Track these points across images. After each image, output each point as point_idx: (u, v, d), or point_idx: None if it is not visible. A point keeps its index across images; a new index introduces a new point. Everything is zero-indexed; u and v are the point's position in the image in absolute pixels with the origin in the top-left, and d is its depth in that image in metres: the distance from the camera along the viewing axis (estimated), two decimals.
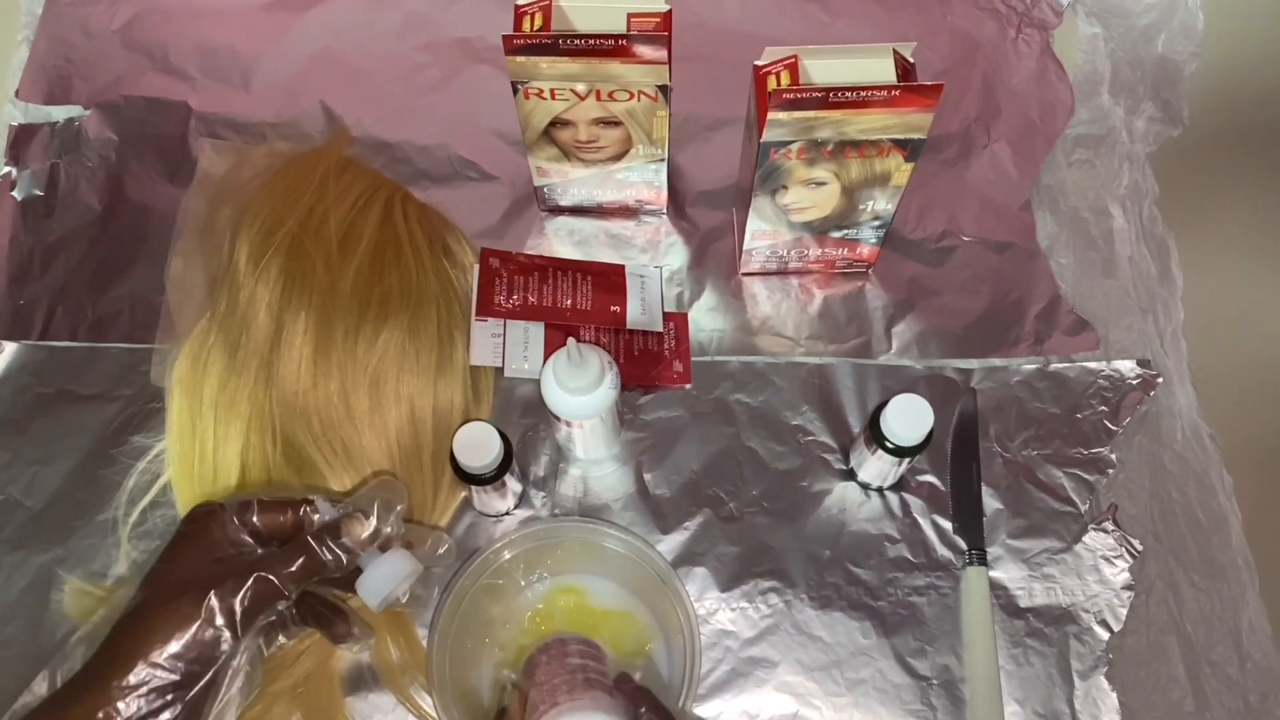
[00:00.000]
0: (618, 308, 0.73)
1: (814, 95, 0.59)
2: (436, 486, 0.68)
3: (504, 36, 0.62)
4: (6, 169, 0.80)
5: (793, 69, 0.62)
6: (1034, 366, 0.74)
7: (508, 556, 0.65)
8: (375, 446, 0.66)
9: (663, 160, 0.73)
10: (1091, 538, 0.69)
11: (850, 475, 0.71)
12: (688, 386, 0.73)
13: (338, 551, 0.56)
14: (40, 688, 0.61)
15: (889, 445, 0.64)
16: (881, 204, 0.69)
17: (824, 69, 0.62)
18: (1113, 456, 0.71)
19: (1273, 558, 0.69)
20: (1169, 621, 0.67)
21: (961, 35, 0.86)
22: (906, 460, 0.65)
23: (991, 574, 0.68)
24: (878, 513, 0.70)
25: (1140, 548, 0.68)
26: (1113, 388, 0.73)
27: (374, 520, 0.58)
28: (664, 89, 0.65)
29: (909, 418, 0.63)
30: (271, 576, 0.55)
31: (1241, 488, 0.70)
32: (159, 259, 0.75)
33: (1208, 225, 0.80)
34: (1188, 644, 0.66)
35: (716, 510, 0.70)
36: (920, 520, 0.69)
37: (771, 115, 0.60)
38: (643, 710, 0.55)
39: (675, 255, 0.78)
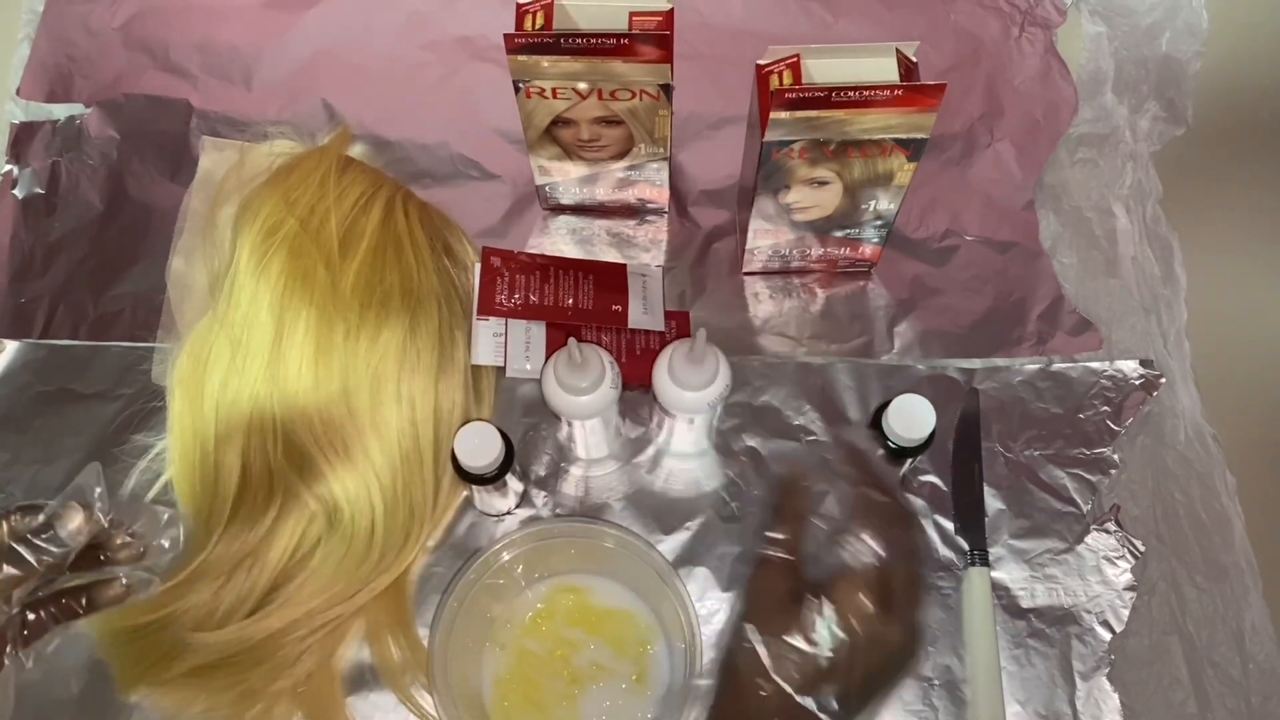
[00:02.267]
0: (619, 307, 0.73)
1: (817, 95, 0.59)
2: (437, 486, 0.68)
3: (505, 35, 0.62)
4: (8, 167, 0.80)
5: (795, 68, 0.61)
6: (1036, 366, 0.74)
7: (508, 556, 0.65)
8: (376, 446, 0.66)
9: (665, 159, 0.73)
10: (1094, 538, 0.69)
11: (853, 476, 0.70)
12: None
13: (49, 547, 0.49)
14: None
15: (891, 445, 0.63)
16: (884, 203, 0.68)
17: (826, 68, 0.61)
18: (1115, 457, 0.71)
19: (1276, 559, 0.68)
20: (1171, 622, 0.67)
21: (965, 34, 0.86)
22: (909, 461, 0.65)
23: (993, 574, 0.68)
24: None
25: (1142, 548, 0.68)
26: (1115, 388, 0.73)
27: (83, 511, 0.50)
28: (666, 88, 0.65)
29: (911, 418, 0.63)
30: None
31: (1244, 489, 0.70)
32: (160, 257, 0.75)
33: (1211, 225, 0.80)
34: (1190, 645, 0.66)
35: (718, 510, 0.70)
36: (922, 520, 0.69)
37: (774, 115, 0.60)
38: None
39: (677, 255, 0.78)
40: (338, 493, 0.65)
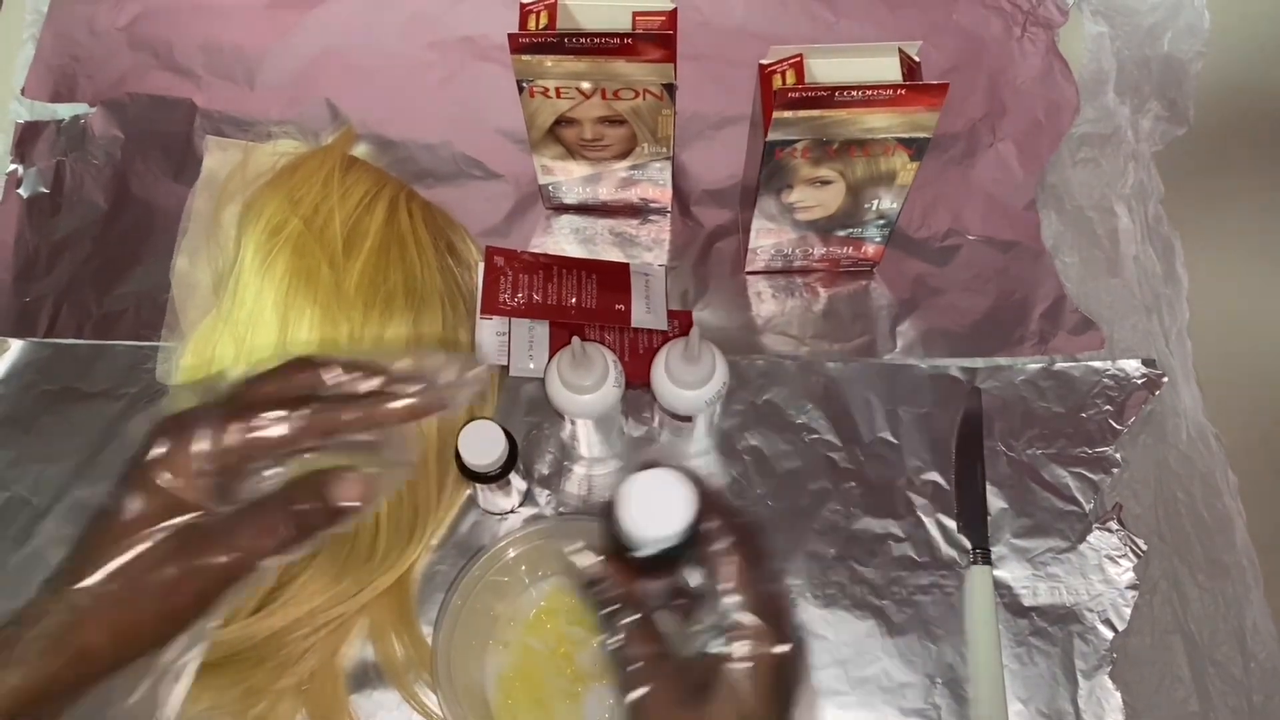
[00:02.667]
0: (622, 306, 0.73)
1: (820, 94, 0.59)
2: (441, 484, 0.68)
3: (509, 35, 0.62)
4: (13, 166, 0.80)
5: (798, 68, 0.62)
6: (1039, 365, 0.74)
7: (512, 554, 0.65)
8: None
9: (668, 159, 0.73)
10: (1096, 537, 0.69)
11: (856, 475, 0.71)
12: None
13: (319, 523, 0.45)
14: None
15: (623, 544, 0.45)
16: (886, 203, 0.68)
17: (829, 68, 0.62)
18: (1117, 456, 0.71)
19: (1277, 558, 0.68)
20: (1173, 621, 0.67)
21: (967, 34, 0.86)
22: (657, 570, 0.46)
23: (996, 573, 0.68)
24: (882, 511, 0.70)
25: (1145, 547, 0.68)
26: (1118, 387, 0.73)
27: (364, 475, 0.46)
28: (669, 87, 0.65)
29: (649, 506, 0.44)
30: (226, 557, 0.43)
31: (1246, 487, 0.70)
32: (164, 257, 0.76)
33: (1213, 224, 0.80)
34: (1192, 644, 0.66)
35: None
36: (925, 519, 0.69)
37: (777, 114, 0.60)
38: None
39: (680, 254, 0.78)
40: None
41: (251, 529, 0.44)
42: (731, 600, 0.44)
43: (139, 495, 0.44)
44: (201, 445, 0.44)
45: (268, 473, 0.46)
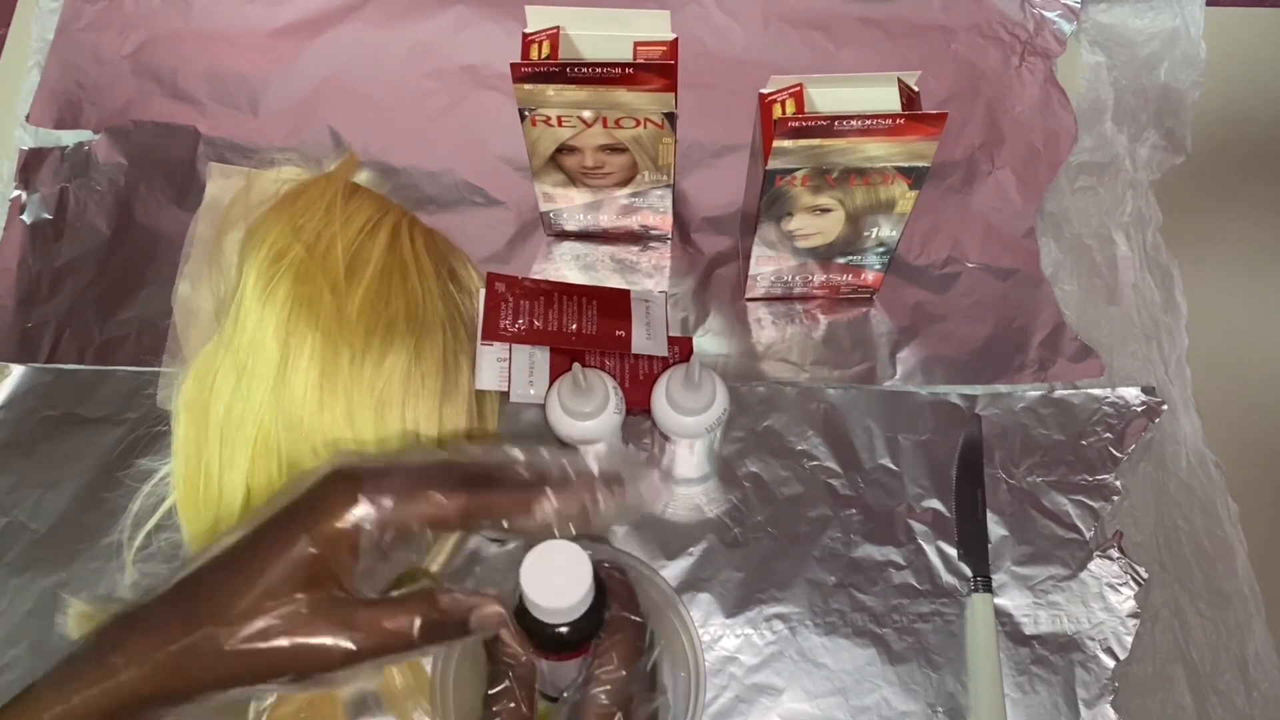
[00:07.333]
0: (623, 332, 0.73)
1: (819, 123, 0.60)
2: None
3: (512, 64, 0.62)
4: (16, 192, 0.81)
5: (798, 97, 0.62)
6: (1038, 393, 0.74)
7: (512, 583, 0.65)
8: None
9: (668, 186, 0.73)
10: (1097, 565, 0.69)
11: (856, 502, 0.70)
12: None
13: (447, 637, 0.47)
14: None
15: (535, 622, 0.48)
16: (886, 230, 0.69)
17: (829, 97, 0.62)
18: (1118, 483, 0.71)
19: (1278, 586, 0.68)
20: (1175, 650, 0.67)
21: (965, 64, 0.87)
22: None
23: (996, 601, 0.68)
24: (883, 539, 0.70)
25: (1146, 575, 0.68)
26: (1117, 414, 0.73)
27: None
28: (670, 116, 0.66)
29: (549, 579, 0.46)
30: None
31: (1247, 515, 0.70)
32: (167, 283, 0.76)
33: (1211, 252, 0.80)
34: (1194, 672, 0.66)
35: (721, 536, 0.70)
36: (925, 546, 0.69)
37: (777, 143, 0.61)
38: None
39: (680, 280, 0.78)
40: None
41: (385, 620, 0.45)
42: (597, 689, 0.48)
43: (294, 548, 0.45)
44: (371, 511, 0.45)
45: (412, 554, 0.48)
